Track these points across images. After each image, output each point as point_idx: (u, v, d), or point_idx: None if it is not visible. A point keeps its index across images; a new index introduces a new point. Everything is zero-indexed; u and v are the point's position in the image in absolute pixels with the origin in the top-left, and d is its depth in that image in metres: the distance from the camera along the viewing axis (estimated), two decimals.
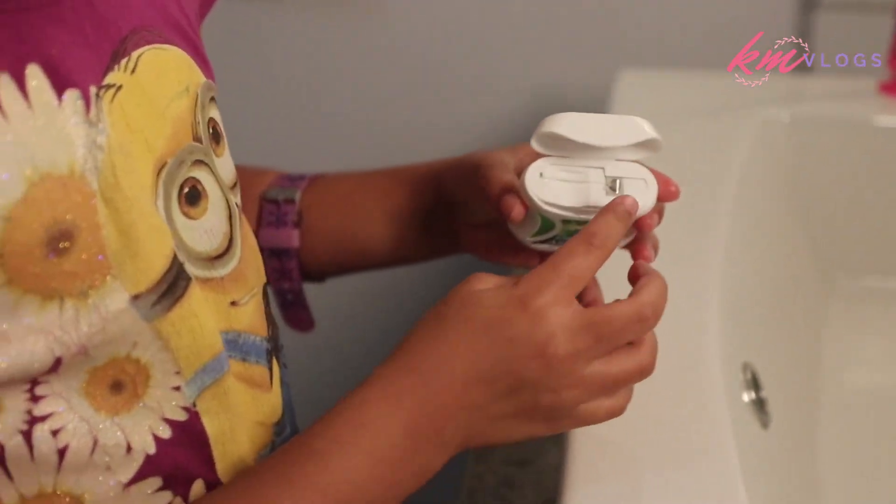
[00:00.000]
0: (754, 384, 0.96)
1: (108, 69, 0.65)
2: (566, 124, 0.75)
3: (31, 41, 0.61)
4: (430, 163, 0.91)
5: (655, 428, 0.83)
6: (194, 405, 0.68)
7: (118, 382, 0.65)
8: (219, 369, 0.70)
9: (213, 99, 0.74)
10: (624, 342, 0.71)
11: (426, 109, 1.64)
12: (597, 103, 1.35)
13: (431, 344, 0.70)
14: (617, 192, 0.75)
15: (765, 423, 0.96)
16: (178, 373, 0.67)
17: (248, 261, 0.75)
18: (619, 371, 0.71)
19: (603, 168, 0.76)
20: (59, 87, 0.61)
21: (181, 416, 0.68)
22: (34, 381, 0.62)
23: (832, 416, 1.19)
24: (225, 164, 0.74)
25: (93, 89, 0.63)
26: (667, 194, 0.78)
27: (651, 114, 1.29)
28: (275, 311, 0.83)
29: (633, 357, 0.72)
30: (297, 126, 1.65)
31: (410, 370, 0.69)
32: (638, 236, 0.79)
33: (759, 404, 0.96)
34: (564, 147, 0.76)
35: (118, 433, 0.65)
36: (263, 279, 0.77)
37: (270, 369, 0.75)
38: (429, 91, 1.63)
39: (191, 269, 0.68)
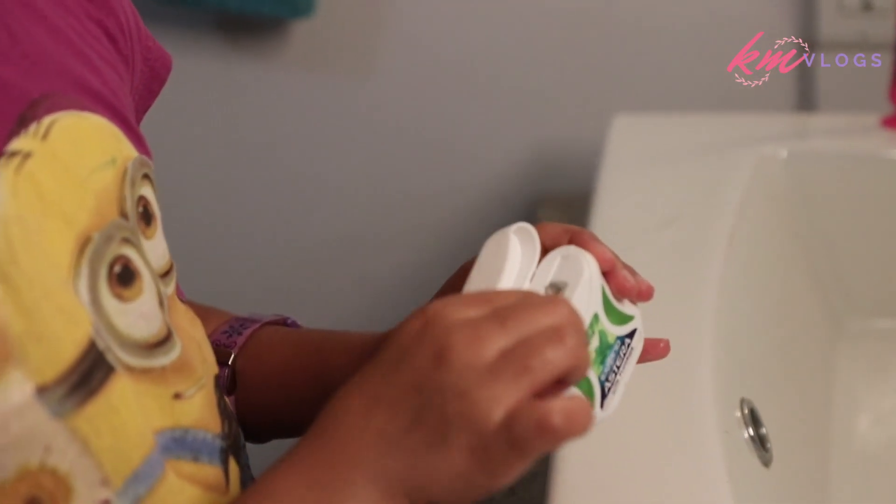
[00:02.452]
0: (753, 420, 0.91)
1: (13, 134, 0.59)
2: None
3: None
4: (367, 336, 0.80)
5: (646, 463, 0.79)
6: None
7: (34, 499, 0.57)
8: (151, 475, 0.61)
9: (146, 176, 0.67)
10: (536, 326, 0.59)
11: (421, 171, 1.62)
12: (595, 150, 1.32)
13: (338, 401, 0.61)
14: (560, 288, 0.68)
15: (766, 462, 0.91)
16: (104, 483, 0.59)
17: (191, 352, 0.68)
18: (526, 334, 0.58)
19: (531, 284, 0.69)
20: None
21: None
22: None
23: (842, 463, 1.14)
24: (156, 249, 0.67)
25: None
26: (604, 263, 0.70)
27: (645, 156, 1.28)
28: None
29: (543, 313, 0.59)
30: (288, 189, 1.63)
31: (313, 431, 0.61)
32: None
33: (760, 441, 0.91)
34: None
35: None
36: (214, 369, 0.71)
37: (226, 470, 0.68)
38: (423, 152, 1.61)
39: (124, 357, 0.61)
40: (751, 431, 0.91)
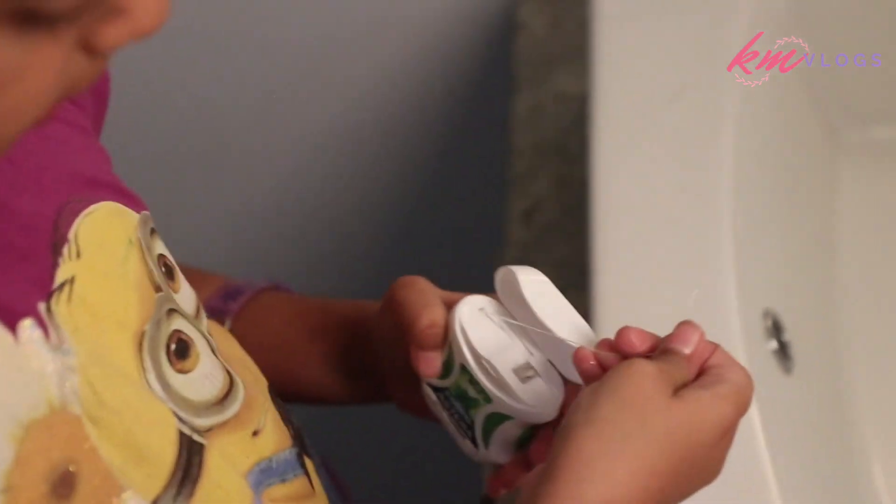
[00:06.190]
0: (776, 330, 0.91)
1: (55, 266, 0.59)
2: (535, 290, 0.68)
3: None
4: (364, 304, 0.81)
5: None
6: None
7: None
8: None
9: (153, 231, 0.67)
10: None
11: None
12: None
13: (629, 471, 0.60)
14: (522, 384, 0.68)
15: (788, 370, 0.91)
16: None
17: (246, 378, 0.69)
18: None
19: (532, 354, 0.69)
20: (9, 322, 0.56)
21: None
22: None
23: (856, 330, 1.14)
24: (185, 298, 0.68)
25: (42, 306, 0.58)
26: None
27: None
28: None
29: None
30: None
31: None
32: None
33: (783, 349, 0.91)
34: (518, 307, 0.69)
35: None
36: (265, 381, 0.72)
37: (307, 472, 0.70)
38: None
39: (203, 423, 0.64)
40: (775, 343, 0.91)
